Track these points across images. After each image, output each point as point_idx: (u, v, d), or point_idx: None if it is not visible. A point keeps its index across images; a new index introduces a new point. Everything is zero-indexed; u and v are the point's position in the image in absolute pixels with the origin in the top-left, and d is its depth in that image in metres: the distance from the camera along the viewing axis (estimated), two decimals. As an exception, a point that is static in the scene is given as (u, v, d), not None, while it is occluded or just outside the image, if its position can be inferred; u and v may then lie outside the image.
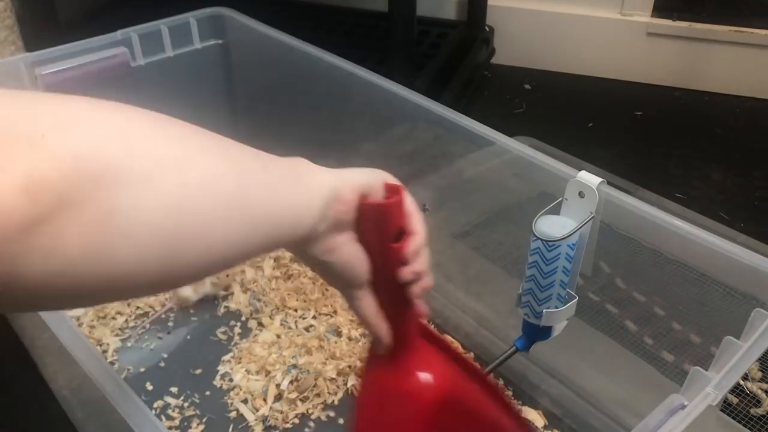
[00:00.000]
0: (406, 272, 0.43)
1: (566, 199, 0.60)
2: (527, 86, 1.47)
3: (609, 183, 0.59)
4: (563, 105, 1.41)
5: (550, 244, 0.57)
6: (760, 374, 0.77)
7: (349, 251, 0.43)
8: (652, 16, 1.42)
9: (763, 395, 0.75)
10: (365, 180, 0.44)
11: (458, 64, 1.32)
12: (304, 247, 0.41)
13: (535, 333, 0.63)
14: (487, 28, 1.48)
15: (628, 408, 0.68)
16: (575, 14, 1.45)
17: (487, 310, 0.79)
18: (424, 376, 0.47)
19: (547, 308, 0.60)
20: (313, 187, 0.41)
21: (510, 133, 0.69)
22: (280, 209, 0.38)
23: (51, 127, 0.28)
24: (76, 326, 0.51)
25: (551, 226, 0.58)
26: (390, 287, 0.44)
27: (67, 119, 0.29)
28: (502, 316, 0.77)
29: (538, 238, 0.57)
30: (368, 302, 0.45)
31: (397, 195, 0.44)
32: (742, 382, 0.76)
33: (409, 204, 0.46)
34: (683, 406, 0.44)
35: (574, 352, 0.71)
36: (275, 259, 0.89)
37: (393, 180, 0.46)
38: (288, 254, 0.88)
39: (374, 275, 0.44)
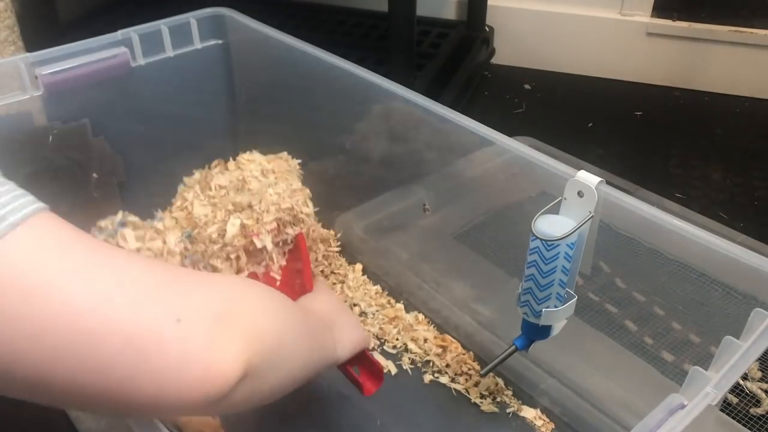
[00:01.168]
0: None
1: (565, 199, 0.60)
2: (527, 86, 1.47)
3: (609, 183, 0.59)
4: (563, 105, 1.41)
5: (549, 243, 0.57)
6: (759, 374, 0.77)
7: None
8: (652, 16, 1.42)
9: (763, 395, 0.75)
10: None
11: (458, 64, 1.32)
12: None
13: (534, 332, 0.63)
14: (487, 28, 1.48)
15: (627, 408, 0.68)
16: (575, 14, 1.45)
17: (487, 310, 0.79)
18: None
19: (546, 308, 0.60)
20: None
21: (510, 133, 0.69)
22: (323, 352, 0.54)
23: (251, 311, 0.41)
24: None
25: (550, 225, 0.58)
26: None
27: (251, 302, 0.43)
28: (502, 316, 0.77)
29: (537, 238, 0.57)
30: None
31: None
32: (741, 382, 0.76)
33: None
34: (683, 406, 0.44)
35: (574, 351, 0.71)
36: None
37: None
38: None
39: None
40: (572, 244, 0.58)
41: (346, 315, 0.64)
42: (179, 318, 0.35)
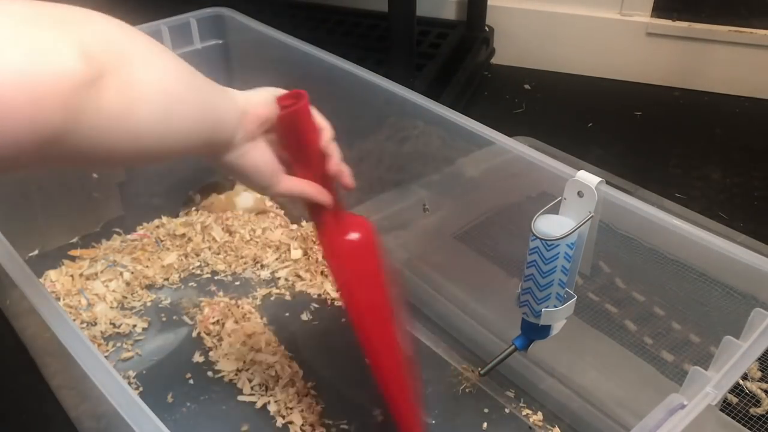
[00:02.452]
0: (332, 164, 0.57)
1: (565, 199, 0.60)
2: (527, 86, 1.47)
3: (608, 183, 0.59)
4: (563, 105, 1.41)
5: (549, 243, 0.57)
6: (759, 374, 0.77)
7: (257, 156, 0.54)
8: (652, 16, 1.42)
9: (763, 395, 0.75)
10: (267, 95, 0.55)
11: (458, 65, 1.32)
12: (222, 152, 0.52)
13: (533, 332, 0.63)
14: (487, 28, 1.48)
15: (627, 408, 0.68)
16: (575, 14, 1.45)
17: (487, 310, 0.79)
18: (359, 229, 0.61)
19: (546, 307, 0.60)
20: (236, 101, 0.52)
21: (510, 133, 0.69)
22: (215, 112, 0.49)
23: (84, 20, 0.39)
24: (77, 326, 0.51)
25: (550, 225, 0.58)
26: (313, 174, 0.57)
27: (92, 16, 0.41)
28: (502, 316, 0.77)
29: (537, 238, 0.57)
30: (291, 183, 0.57)
31: (302, 99, 0.54)
32: (741, 382, 0.76)
33: (317, 114, 0.58)
34: (683, 406, 0.44)
35: (574, 351, 0.71)
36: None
37: (285, 92, 0.56)
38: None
39: (297, 170, 0.57)
40: (572, 244, 0.58)
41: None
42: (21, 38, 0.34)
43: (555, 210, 0.60)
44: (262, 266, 0.90)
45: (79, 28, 0.38)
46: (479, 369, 0.65)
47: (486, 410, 0.72)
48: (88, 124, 0.37)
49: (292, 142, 0.56)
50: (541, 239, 0.57)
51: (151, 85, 0.42)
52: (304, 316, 0.84)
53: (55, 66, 0.35)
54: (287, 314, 0.84)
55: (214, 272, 0.90)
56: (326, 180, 0.58)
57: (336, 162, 0.58)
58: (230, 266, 0.90)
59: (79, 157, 0.40)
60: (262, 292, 0.87)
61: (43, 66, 0.34)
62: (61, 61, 0.35)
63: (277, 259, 0.91)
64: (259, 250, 0.92)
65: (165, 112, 0.43)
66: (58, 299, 0.84)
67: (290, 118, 0.54)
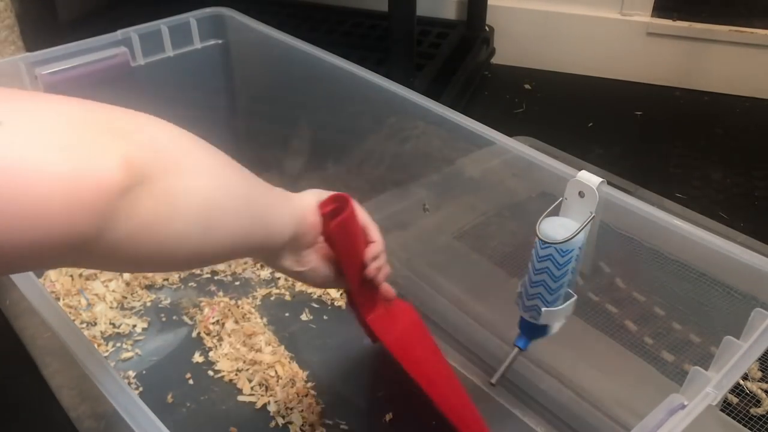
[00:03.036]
0: (371, 269, 0.57)
1: (566, 199, 0.60)
2: (527, 86, 1.47)
3: (609, 183, 0.59)
4: (563, 105, 1.41)
5: (564, 250, 0.56)
6: (760, 374, 0.77)
7: (312, 261, 0.55)
8: (652, 16, 1.42)
9: (763, 395, 0.75)
10: (317, 200, 0.54)
11: (458, 64, 1.32)
12: (277, 255, 0.53)
13: (533, 331, 0.63)
14: (487, 28, 1.48)
15: (627, 408, 0.68)
16: (575, 14, 1.45)
17: (487, 310, 0.79)
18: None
19: (546, 307, 0.60)
20: (293, 208, 0.52)
21: (510, 133, 0.69)
22: (267, 223, 0.49)
23: (134, 127, 0.39)
24: (77, 326, 0.51)
25: (557, 229, 0.57)
26: (361, 280, 0.58)
27: (143, 122, 0.40)
28: (502, 316, 0.77)
29: (552, 245, 0.57)
30: (341, 282, 0.58)
31: (347, 204, 0.53)
32: (741, 382, 0.76)
33: (363, 215, 0.58)
34: (683, 406, 0.44)
35: (574, 352, 0.71)
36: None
37: (327, 195, 0.55)
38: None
39: (349, 273, 0.57)
40: (582, 245, 0.58)
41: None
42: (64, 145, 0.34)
43: (556, 211, 0.60)
44: (262, 266, 0.90)
45: (127, 135, 0.37)
46: (490, 380, 0.65)
47: (486, 410, 0.72)
48: (118, 231, 0.36)
49: (342, 250, 0.55)
50: (555, 246, 0.57)
51: (193, 195, 0.41)
52: (304, 316, 0.84)
53: (96, 175, 0.34)
54: (287, 314, 0.84)
55: (214, 272, 0.90)
56: (367, 284, 0.59)
57: (378, 276, 0.59)
58: (230, 266, 0.90)
59: (111, 261, 0.40)
60: (262, 292, 0.87)
61: (84, 174, 0.34)
62: (102, 171, 0.34)
63: (277, 259, 0.91)
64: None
65: (204, 223, 0.42)
66: (58, 299, 0.83)
67: (338, 227, 0.53)
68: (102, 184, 0.34)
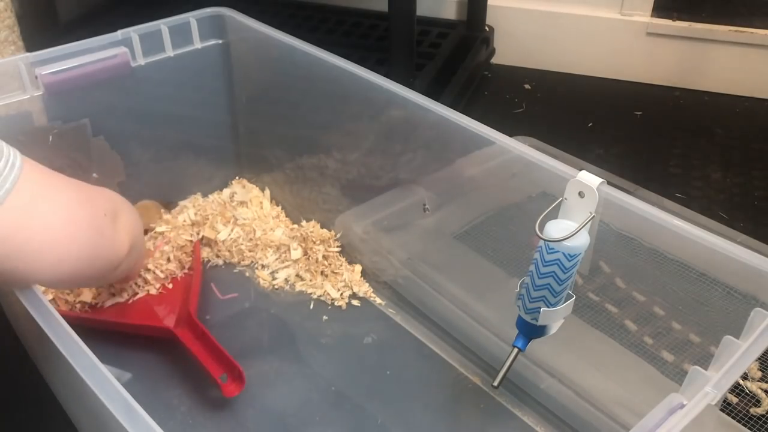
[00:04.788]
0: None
1: (566, 199, 0.60)
2: (527, 86, 1.47)
3: (609, 183, 0.59)
4: (563, 105, 1.41)
5: (571, 255, 0.56)
6: (759, 374, 0.77)
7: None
8: (652, 16, 1.42)
9: (763, 395, 0.75)
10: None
11: (458, 64, 1.32)
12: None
13: (532, 331, 0.63)
14: (487, 28, 1.48)
15: (627, 407, 0.68)
16: (575, 14, 1.45)
17: (487, 310, 0.79)
18: None
19: (545, 307, 0.60)
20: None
21: (510, 133, 0.69)
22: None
23: (125, 208, 0.70)
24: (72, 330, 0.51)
25: (561, 233, 0.57)
26: None
27: (125, 205, 0.70)
28: (502, 316, 0.77)
29: (560, 250, 0.57)
30: None
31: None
32: (741, 382, 0.76)
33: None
34: (682, 406, 0.44)
35: (574, 351, 0.71)
36: (275, 259, 0.89)
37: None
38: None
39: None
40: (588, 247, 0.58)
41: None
42: (105, 213, 0.62)
43: (555, 211, 0.60)
44: (262, 266, 0.90)
45: (123, 216, 0.66)
46: (493, 383, 0.65)
47: (486, 410, 0.72)
48: (120, 269, 0.67)
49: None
50: (563, 252, 0.56)
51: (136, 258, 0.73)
52: (305, 316, 0.84)
53: (115, 252, 0.63)
54: (287, 314, 0.84)
55: (214, 272, 0.90)
56: None
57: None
58: (230, 266, 0.90)
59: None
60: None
61: (107, 251, 0.62)
62: (119, 247, 0.64)
63: (277, 259, 0.91)
64: (259, 250, 0.92)
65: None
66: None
67: None
68: (117, 258, 0.64)
